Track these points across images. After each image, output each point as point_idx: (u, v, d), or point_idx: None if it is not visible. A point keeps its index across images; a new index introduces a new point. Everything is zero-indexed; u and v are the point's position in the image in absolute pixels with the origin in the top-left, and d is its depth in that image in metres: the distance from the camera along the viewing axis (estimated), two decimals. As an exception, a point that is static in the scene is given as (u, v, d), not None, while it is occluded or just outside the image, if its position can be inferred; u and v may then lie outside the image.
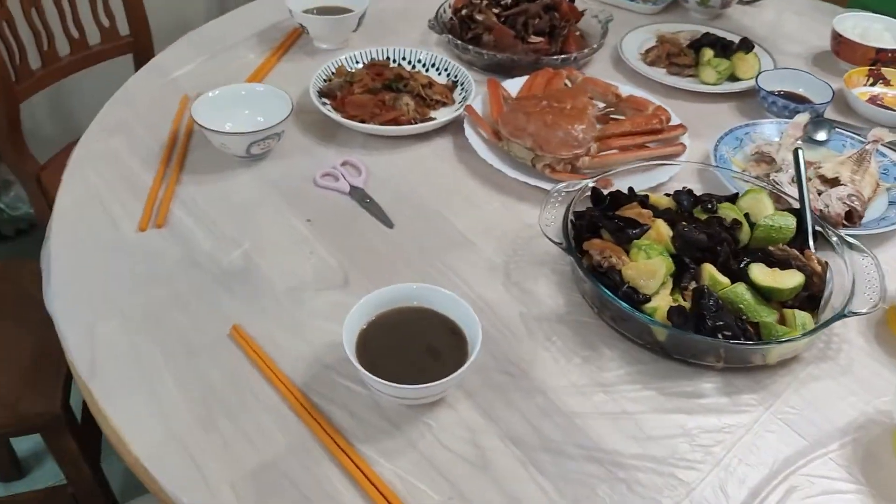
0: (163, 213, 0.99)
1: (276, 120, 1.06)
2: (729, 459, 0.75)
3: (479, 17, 1.33)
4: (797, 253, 0.88)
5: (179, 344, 0.83)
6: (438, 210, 1.03)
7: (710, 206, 0.95)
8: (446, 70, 1.28)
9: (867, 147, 1.11)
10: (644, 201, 0.96)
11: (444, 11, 1.41)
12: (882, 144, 1.13)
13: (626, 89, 1.22)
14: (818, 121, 1.19)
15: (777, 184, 1.03)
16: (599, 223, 0.91)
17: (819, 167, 1.07)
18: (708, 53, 1.31)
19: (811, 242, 0.91)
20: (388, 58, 1.28)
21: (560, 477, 0.73)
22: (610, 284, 0.84)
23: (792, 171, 1.05)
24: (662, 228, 0.89)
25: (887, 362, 0.86)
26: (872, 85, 1.32)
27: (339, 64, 1.24)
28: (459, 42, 1.30)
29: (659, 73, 1.33)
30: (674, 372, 0.83)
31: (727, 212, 0.93)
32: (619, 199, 0.97)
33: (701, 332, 0.79)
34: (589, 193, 0.97)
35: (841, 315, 0.81)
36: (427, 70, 1.28)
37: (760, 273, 0.85)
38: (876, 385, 0.83)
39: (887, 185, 1.08)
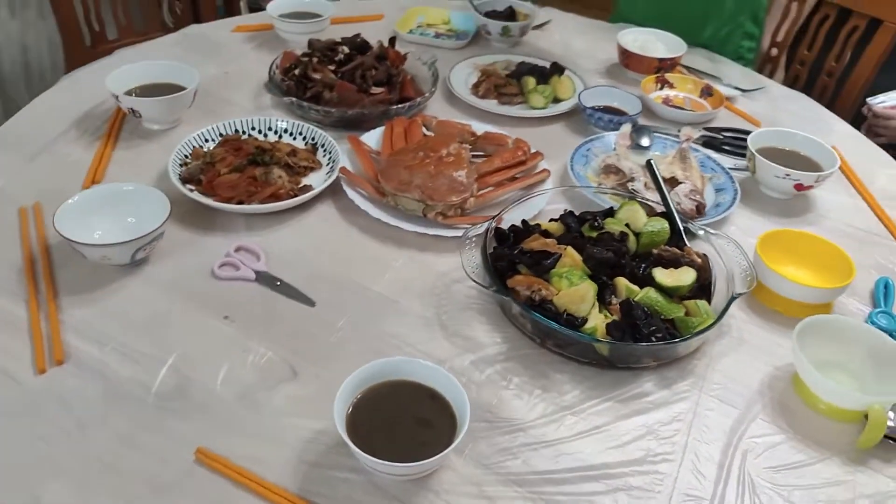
0: (57, 347, 0.89)
1: (152, 218, 0.99)
2: (691, 443, 0.86)
3: (316, 76, 1.34)
4: (681, 252, 1.02)
5: (144, 486, 0.76)
6: (351, 277, 1.04)
7: (596, 223, 1.06)
8: (301, 133, 1.27)
9: (683, 146, 1.30)
10: (544, 231, 1.04)
11: (275, 73, 1.40)
12: (692, 141, 1.33)
13: (474, 127, 1.31)
14: (638, 128, 1.36)
15: (636, 192, 1.18)
16: (517, 260, 0.98)
17: (654, 170, 1.24)
18: (531, 81, 1.44)
19: (686, 239, 1.06)
20: (237, 130, 1.25)
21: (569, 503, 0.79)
22: (549, 316, 0.91)
23: (643, 179, 1.20)
24: (574, 254, 0.98)
25: (765, 325, 1.03)
26: (661, 90, 1.54)
27: (193, 145, 1.18)
28: (305, 103, 1.30)
29: (491, 105, 1.43)
30: (619, 380, 0.93)
31: (613, 226, 1.05)
32: (518, 233, 1.05)
33: (639, 340, 0.90)
34: (493, 234, 1.04)
35: (732, 297, 0.96)
36: (281, 137, 1.26)
37: (662, 275, 0.97)
38: (765, 348, 1.00)
39: (709, 176, 1.28)
